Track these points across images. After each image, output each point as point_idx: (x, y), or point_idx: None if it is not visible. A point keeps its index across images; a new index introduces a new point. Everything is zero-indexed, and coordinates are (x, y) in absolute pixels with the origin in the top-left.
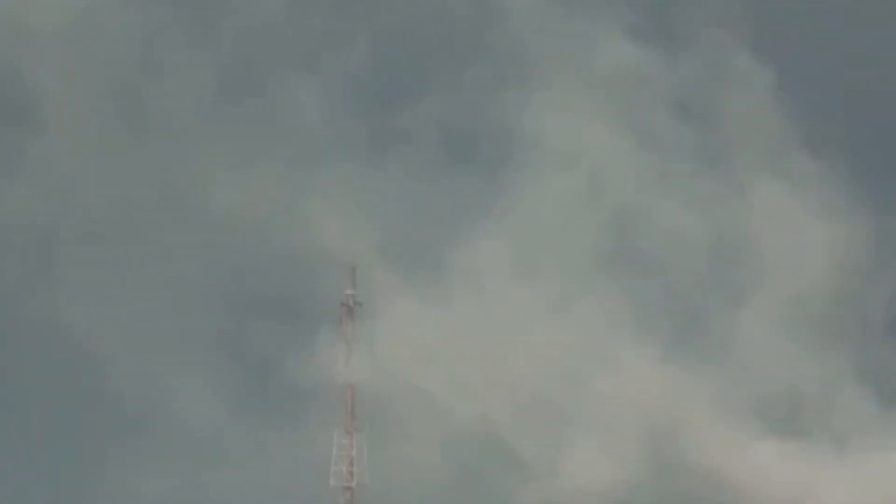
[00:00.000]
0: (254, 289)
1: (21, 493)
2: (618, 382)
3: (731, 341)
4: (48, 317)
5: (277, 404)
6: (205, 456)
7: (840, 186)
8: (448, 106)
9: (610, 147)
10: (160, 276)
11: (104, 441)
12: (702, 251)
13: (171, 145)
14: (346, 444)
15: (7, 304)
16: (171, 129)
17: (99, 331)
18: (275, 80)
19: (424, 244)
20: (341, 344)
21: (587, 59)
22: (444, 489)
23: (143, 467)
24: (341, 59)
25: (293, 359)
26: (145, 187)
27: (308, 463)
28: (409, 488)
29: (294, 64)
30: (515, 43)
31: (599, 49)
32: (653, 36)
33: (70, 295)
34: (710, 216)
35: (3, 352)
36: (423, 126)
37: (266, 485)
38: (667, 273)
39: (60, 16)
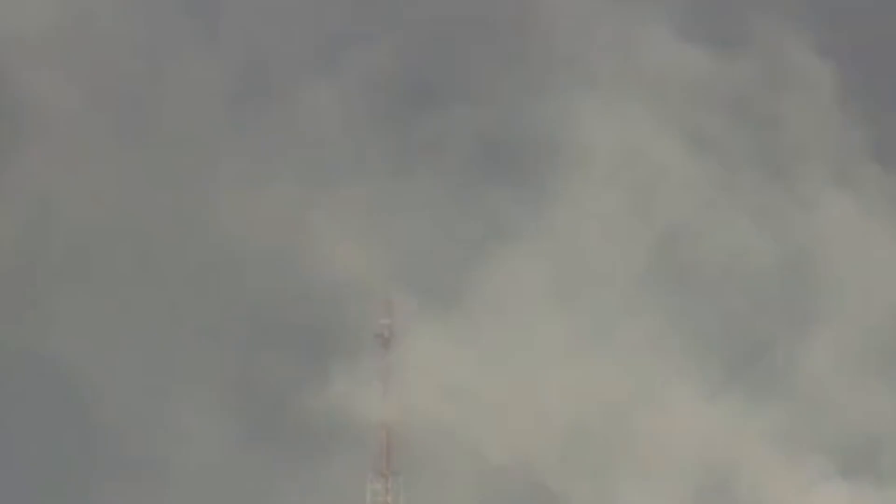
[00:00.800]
0: (265, 318)
1: None
2: (668, 419)
3: (796, 373)
4: (36, 347)
5: (296, 445)
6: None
7: None
8: (481, 114)
9: (659, 156)
10: (161, 304)
11: (100, 486)
12: (762, 272)
13: (174, 159)
14: (380, 490)
15: None
16: (174, 140)
17: (93, 363)
18: (288, 85)
19: (453, 267)
20: (374, 379)
21: (633, 60)
22: None
23: None
24: (363, 61)
25: (311, 395)
26: (145, 204)
27: None
28: None
29: (310, 67)
30: (555, 44)
31: (646, 50)
32: (703, 35)
33: (60, 323)
34: (771, 233)
35: None
36: (454, 137)
37: None
38: (723, 297)
39: (51, 16)
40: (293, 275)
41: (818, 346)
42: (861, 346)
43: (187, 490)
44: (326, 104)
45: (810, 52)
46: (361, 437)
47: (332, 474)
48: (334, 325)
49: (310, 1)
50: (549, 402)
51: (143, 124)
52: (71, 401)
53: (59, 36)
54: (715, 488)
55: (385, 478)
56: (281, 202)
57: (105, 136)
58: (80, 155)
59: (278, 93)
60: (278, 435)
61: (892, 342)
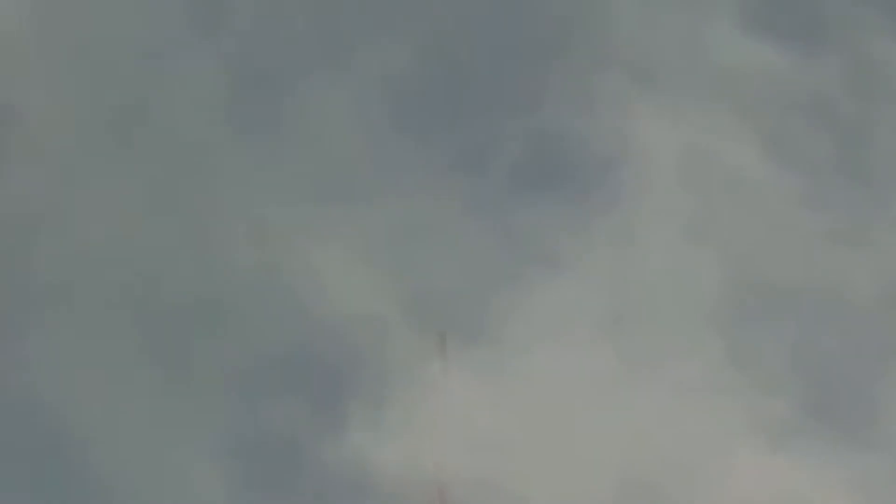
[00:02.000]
0: (267, 355)
1: None
2: (732, 470)
3: (881, 417)
4: (17, 388)
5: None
6: None
7: None
8: (519, 119)
9: (731, 166)
10: (158, 341)
11: None
12: (849, 303)
13: (172, 178)
14: None
15: None
16: (171, 155)
17: (81, 411)
18: (293, 87)
19: (487, 300)
20: (401, 428)
21: (699, 58)
22: None
23: None
24: (381, 60)
25: (327, 446)
26: (140, 229)
27: None
28: None
29: (319, 66)
30: (608, 40)
31: (713, 46)
32: (777, 29)
33: (45, 365)
34: (859, 257)
35: None
36: (488, 147)
37: None
38: (798, 329)
39: (39, 14)
40: (304, 307)
41: None
42: None
43: None
44: (339, 110)
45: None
46: (384, 492)
47: None
48: (351, 367)
49: None
50: (599, 453)
51: (135, 133)
52: (59, 453)
53: (46, 36)
54: None
55: None
56: (290, 225)
57: (96, 148)
58: (67, 171)
59: (285, 98)
60: (288, 489)
61: None
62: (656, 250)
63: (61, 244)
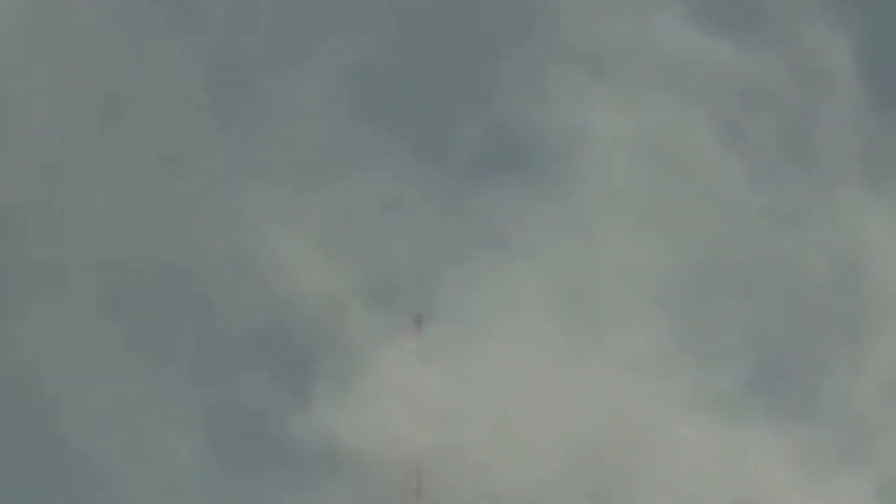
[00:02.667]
0: (237, 333)
1: None
2: (680, 440)
3: (825, 392)
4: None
5: (278, 473)
6: None
7: None
8: (477, 108)
9: (676, 150)
10: (135, 324)
11: None
12: (796, 282)
13: (144, 163)
14: None
15: None
16: (145, 143)
17: (64, 388)
18: (263, 79)
19: (442, 279)
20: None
21: (647, 48)
22: None
23: None
24: (347, 50)
25: (294, 420)
26: (119, 217)
27: None
28: None
29: (287, 59)
30: (561, 31)
31: (659, 37)
32: (718, 22)
33: (30, 343)
34: (804, 238)
35: None
36: (449, 133)
37: None
38: (745, 307)
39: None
40: (271, 288)
41: (854, 363)
42: None
43: None
44: (305, 100)
45: (833, 41)
46: (349, 461)
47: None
48: (316, 344)
49: None
50: (551, 423)
51: (119, 126)
52: (43, 422)
53: (33, 32)
54: None
55: None
56: (258, 209)
57: (77, 138)
58: (53, 161)
59: (255, 90)
60: (258, 462)
61: None
62: (608, 232)
63: (46, 229)
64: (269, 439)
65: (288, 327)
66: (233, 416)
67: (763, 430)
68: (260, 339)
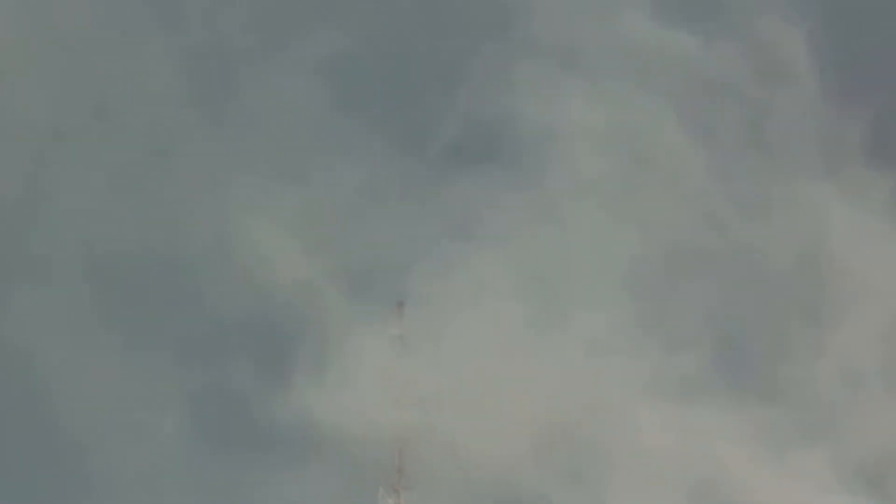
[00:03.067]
0: (218, 319)
1: None
2: (644, 418)
3: (785, 373)
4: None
5: (260, 451)
6: None
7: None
8: (451, 102)
9: (644, 140)
10: (113, 305)
11: (63, 488)
12: (754, 267)
13: (131, 156)
14: None
15: None
16: (131, 138)
17: (57, 370)
18: (243, 76)
19: (415, 264)
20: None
21: (614, 42)
22: None
23: None
24: (321, 43)
25: (274, 401)
26: (102, 204)
27: None
28: None
29: (266, 55)
30: (533, 28)
31: (626, 32)
32: (680, 17)
33: (23, 327)
34: (763, 225)
35: None
36: (425, 125)
37: None
38: (708, 292)
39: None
40: (251, 276)
41: (809, 350)
42: (860, 351)
43: (146, 490)
44: (283, 95)
45: (790, 34)
46: (326, 441)
47: (299, 480)
48: (294, 330)
49: None
50: (520, 403)
51: (107, 122)
52: (35, 405)
53: (16, 28)
54: (700, 493)
55: (398, 493)
56: (239, 200)
57: (66, 132)
58: (44, 155)
59: (236, 86)
60: (240, 441)
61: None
62: (577, 221)
63: (38, 220)
64: (251, 420)
65: (268, 314)
66: (216, 399)
67: (725, 411)
68: (242, 325)
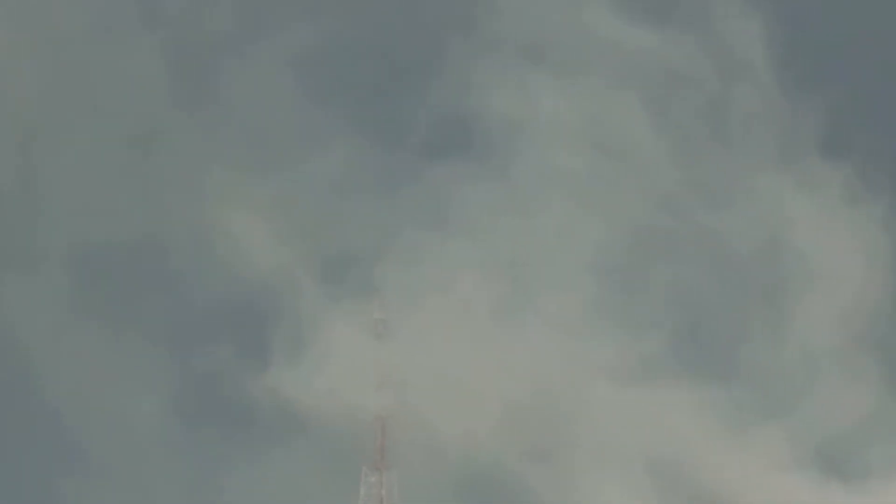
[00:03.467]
0: (198, 304)
1: None
2: (608, 398)
3: (744, 354)
4: None
5: (237, 429)
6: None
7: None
8: (423, 95)
9: (610, 129)
10: (99, 291)
11: (44, 464)
12: (716, 251)
13: (114, 147)
14: (375, 482)
15: None
16: (114, 129)
17: (41, 350)
18: (221, 69)
19: (386, 252)
20: (369, 374)
21: (579, 37)
22: None
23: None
24: (289, 38)
25: (252, 381)
26: (88, 194)
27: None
28: None
29: (242, 51)
30: (501, 23)
31: (590, 26)
32: (639, 13)
33: (10, 313)
34: (725, 212)
35: None
36: (397, 116)
37: None
38: (672, 277)
39: None
40: (230, 263)
41: (767, 332)
42: (817, 334)
43: (129, 469)
44: (259, 88)
45: (746, 28)
46: (302, 420)
47: (276, 459)
48: (270, 315)
49: None
50: (485, 384)
51: (91, 114)
52: (21, 387)
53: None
54: (667, 476)
55: (380, 471)
56: (218, 190)
57: (49, 126)
58: (32, 147)
59: (215, 79)
60: (220, 420)
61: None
62: (544, 209)
63: (25, 210)
64: (231, 401)
65: (245, 299)
66: (196, 380)
67: (686, 391)
68: (220, 310)
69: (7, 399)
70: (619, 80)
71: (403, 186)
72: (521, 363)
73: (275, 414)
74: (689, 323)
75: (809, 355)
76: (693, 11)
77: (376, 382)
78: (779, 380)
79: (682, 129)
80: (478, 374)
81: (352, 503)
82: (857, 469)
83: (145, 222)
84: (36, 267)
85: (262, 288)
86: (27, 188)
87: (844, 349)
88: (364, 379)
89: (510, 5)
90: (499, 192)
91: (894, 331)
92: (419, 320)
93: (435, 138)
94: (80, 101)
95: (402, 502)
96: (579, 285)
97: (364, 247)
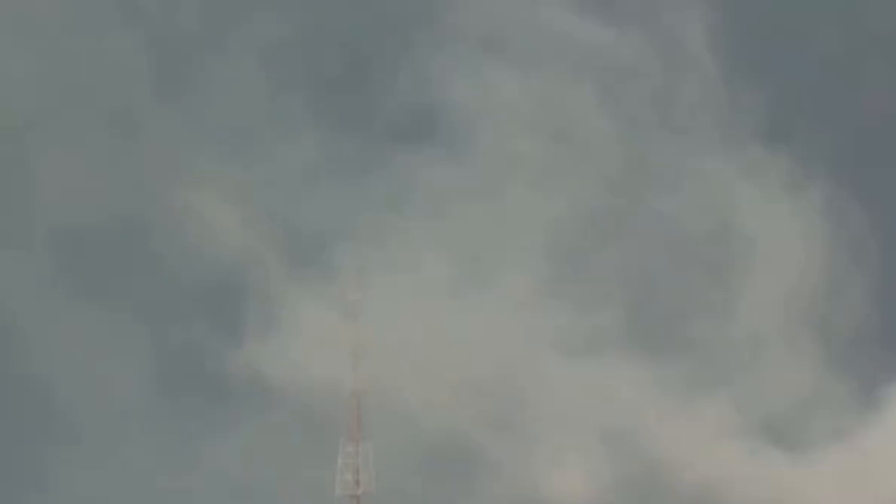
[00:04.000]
0: (174, 283)
1: None
2: (562, 370)
3: (691, 329)
4: None
5: (212, 400)
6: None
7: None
8: (388, 85)
9: (565, 119)
10: (83, 272)
11: (26, 431)
12: (669, 231)
13: (98, 133)
14: (351, 453)
15: None
16: (99, 116)
17: (24, 322)
18: (198, 60)
19: (351, 234)
20: (338, 349)
21: (536, 31)
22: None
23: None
24: (258, 31)
25: (226, 355)
26: (73, 178)
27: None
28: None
29: (214, 36)
30: (463, 17)
31: (546, 21)
32: (592, 10)
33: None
34: (674, 196)
35: None
36: (363, 107)
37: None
38: (626, 256)
39: None
40: (203, 244)
41: (715, 308)
42: (761, 310)
43: (111, 438)
44: (233, 79)
45: (689, 22)
46: (274, 392)
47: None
48: (243, 294)
49: None
50: (443, 358)
51: (76, 102)
52: (8, 357)
53: None
54: (614, 439)
55: (357, 442)
56: (194, 176)
57: (37, 110)
58: (22, 133)
59: (192, 69)
60: (197, 392)
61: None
62: (502, 192)
63: (13, 191)
64: (207, 373)
65: (219, 278)
66: (174, 353)
67: (636, 365)
68: (196, 288)
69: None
70: (573, 71)
71: (369, 172)
72: (480, 338)
73: (250, 386)
74: (640, 300)
75: (755, 333)
76: (642, 8)
77: (351, 359)
78: (725, 355)
79: (631, 118)
80: (439, 349)
81: (328, 472)
82: (800, 439)
83: (127, 206)
84: (24, 246)
85: (235, 268)
86: (16, 174)
87: (788, 328)
88: (333, 354)
89: (471, 1)
90: (460, 177)
91: (834, 311)
92: (384, 299)
93: (399, 126)
94: (67, 93)
95: (375, 470)
96: (535, 264)
97: (331, 229)
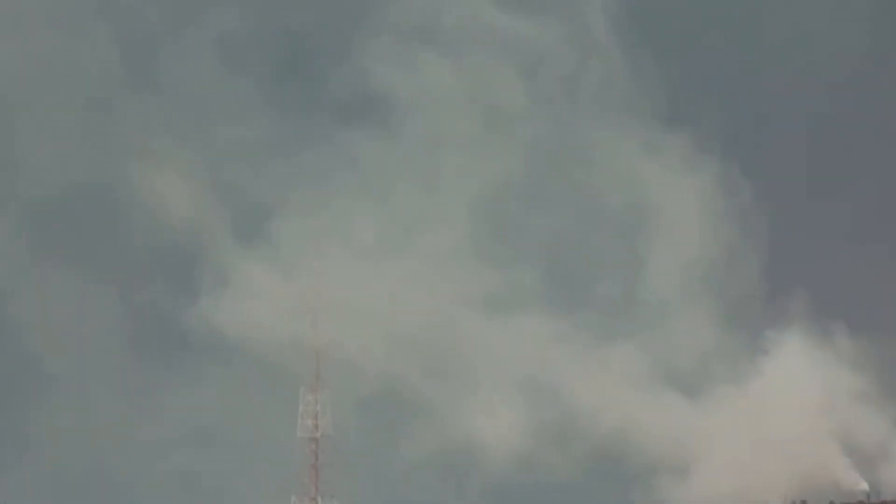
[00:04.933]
0: (135, 249)
1: None
2: (487, 325)
3: (600, 287)
4: None
5: (174, 352)
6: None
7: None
8: (334, 72)
9: (494, 102)
10: (59, 239)
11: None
12: (591, 202)
13: (72, 117)
14: (311, 401)
15: None
16: (72, 102)
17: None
18: (161, 48)
19: (294, 205)
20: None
21: (466, 23)
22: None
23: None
24: (211, 23)
25: (179, 312)
26: (47, 156)
27: None
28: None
29: (177, 24)
30: (397, 10)
31: (472, 14)
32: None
33: None
34: (596, 165)
35: None
36: (306, 90)
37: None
38: (545, 223)
39: None
40: (159, 213)
41: (625, 268)
42: (672, 273)
43: (81, 386)
44: (193, 64)
45: (594, 12)
46: (228, 343)
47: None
48: (198, 258)
49: None
50: (372, 315)
51: (51, 88)
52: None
53: None
54: (532, 388)
55: (315, 391)
56: (156, 152)
57: (16, 94)
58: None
59: (156, 58)
60: (161, 347)
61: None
62: (433, 166)
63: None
64: (167, 326)
65: (176, 243)
66: (136, 309)
67: (553, 320)
68: (154, 252)
69: None
70: (496, 57)
71: (312, 149)
72: (414, 297)
73: (207, 339)
74: (557, 262)
75: (660, 293)
76: (560, 2)
77: (312, 318)
78: (634, 313)
79: (548, 98)
80: (377, 307)
81: (287, 418)
82: (700, 386)
83: (95, 180)
84: (1, 215)
85: (191, 234)
86: None
87: (688, 288)
88: (282, 311)
89: None
90: (395, 153)
91: (728, 274)
92: (325, 263)
93: (341, 109)
94: (44, 78)
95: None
96: (462, 229)
97: (276, 200)
